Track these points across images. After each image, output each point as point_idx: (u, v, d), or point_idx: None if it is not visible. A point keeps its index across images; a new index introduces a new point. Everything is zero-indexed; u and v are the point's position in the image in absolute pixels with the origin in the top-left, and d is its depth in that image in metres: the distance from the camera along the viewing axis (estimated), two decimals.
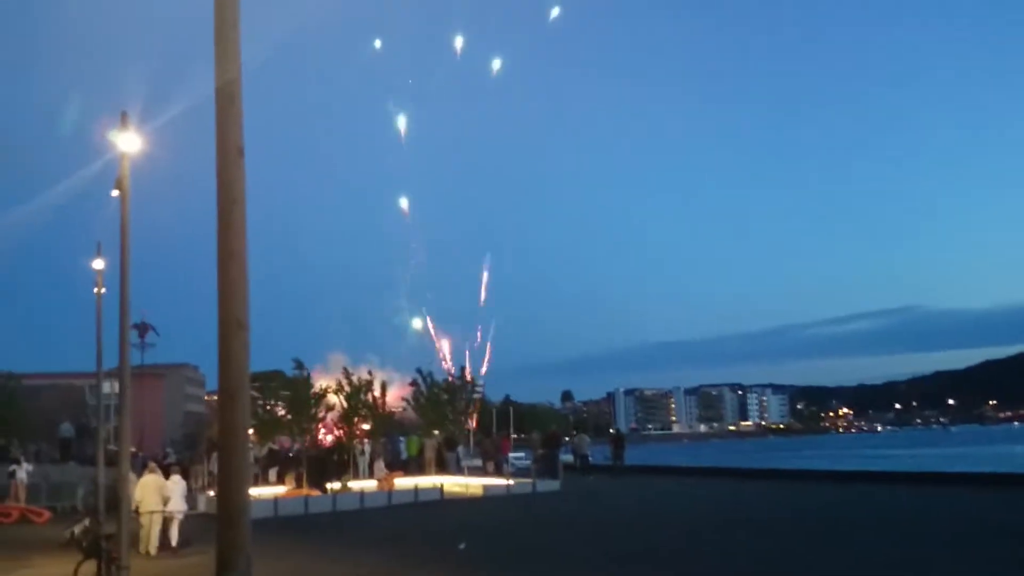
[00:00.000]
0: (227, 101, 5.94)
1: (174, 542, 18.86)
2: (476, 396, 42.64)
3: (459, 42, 59.17)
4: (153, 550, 18.27)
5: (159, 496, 18.81)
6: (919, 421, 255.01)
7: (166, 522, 19.00)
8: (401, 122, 60.96)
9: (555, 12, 60.07)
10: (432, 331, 54.68)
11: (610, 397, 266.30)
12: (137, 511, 18.19)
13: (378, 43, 58.59)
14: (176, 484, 19.57)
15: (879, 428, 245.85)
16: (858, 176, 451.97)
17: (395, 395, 41.85)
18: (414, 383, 38.66)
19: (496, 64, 58.55)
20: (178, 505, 19.19)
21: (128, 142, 13.34)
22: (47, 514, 26.43)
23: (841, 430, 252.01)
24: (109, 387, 29.79)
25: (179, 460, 31.67)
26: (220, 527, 5.33)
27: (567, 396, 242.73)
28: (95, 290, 20.33)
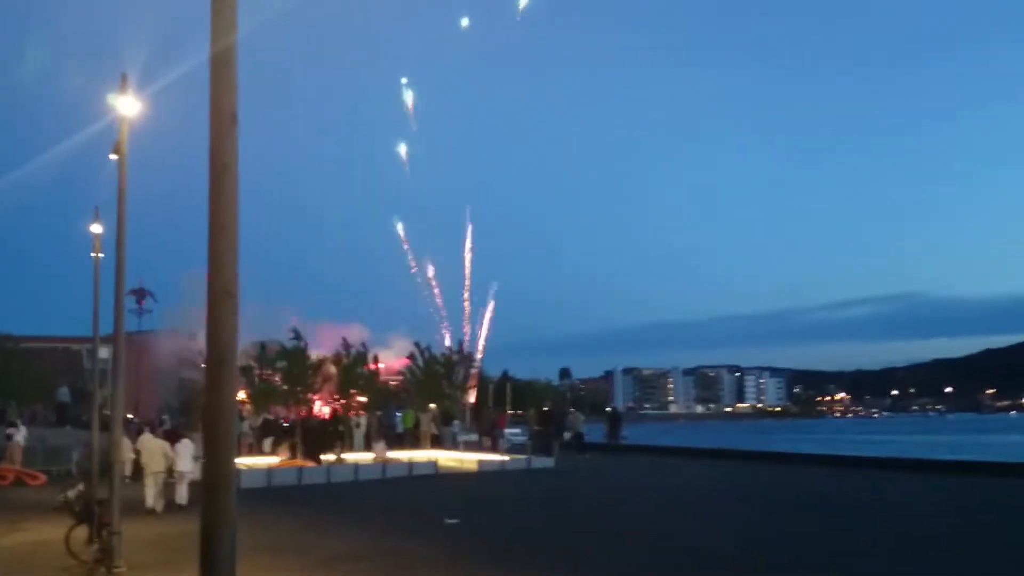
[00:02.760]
0: (221, 66, 5.83)
1: (182, 501, 19.88)
2: (473, 371, 42.76)
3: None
4: (158, 508, 19.20)
5: (162, 457, 20.09)
6: (916, 408, 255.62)
7: (174, 482, 20.42)
8: (408, 97, 61.21)
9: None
10: (438, 300, 55.02)
11: (608, 376, 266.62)
12: (134, 475, 20.37)
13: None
14: (185, 447, 20.85)
15: (875, 414, 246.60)
16: (860, 160, 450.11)
17: (392, 366, 41.98)
18: (411, 356, 38.71)
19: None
20: (187, 466, 20.46)
21: (127, 106, 13.21)
22: (42, 477, 26.55)
23: (838, 415, 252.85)
24: (106, 352, 29.79)
25: (174, 426, 31.81)
26: (205, 496, 5.30)
27: (565, 373, 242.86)
28: (92, 254, 20.24)
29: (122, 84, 13.06)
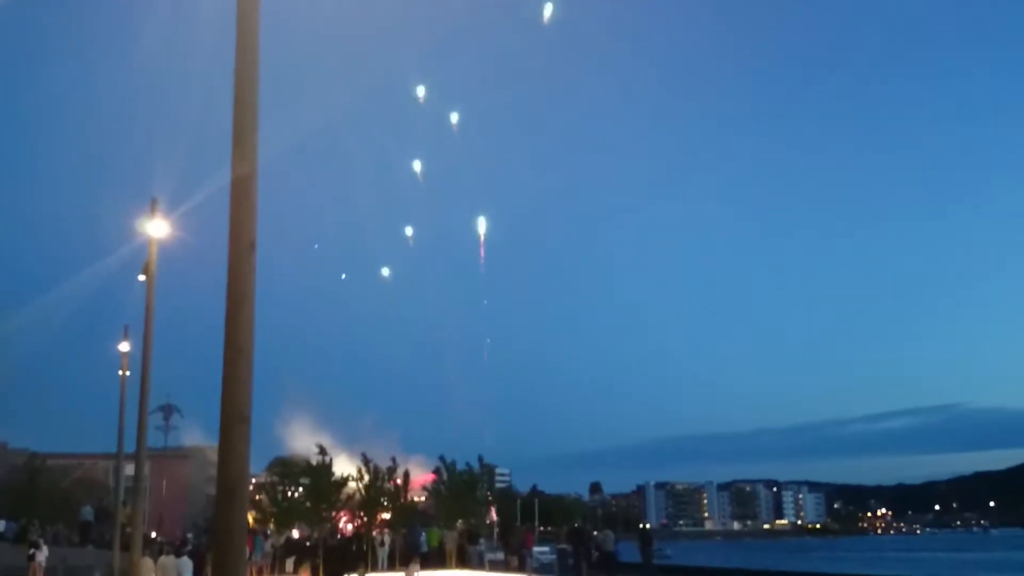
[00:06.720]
0: (241, 196, 5.99)
1: None
2: (499, 486, 42.12)
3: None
4: None
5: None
6: (959, 523, 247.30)
7: None
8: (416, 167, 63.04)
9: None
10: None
11: (640, 491, 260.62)
12: None
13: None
14: (186, 565, 20.23)
15: (918, 530, 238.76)
16: (898, 271, 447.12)
17: (418, 482, 41.41)
18: (437, 471, 38.17)
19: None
20: None
21: (157, 228, 13.57)
22: None
23: (880, 531, 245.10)
24: (131, 469, 29.69)
25: (196, 546, 31.31)
26: None
27: (596, 488, 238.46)
28: (120, 372, 20.47)
29: (152, 208, 13.44)
